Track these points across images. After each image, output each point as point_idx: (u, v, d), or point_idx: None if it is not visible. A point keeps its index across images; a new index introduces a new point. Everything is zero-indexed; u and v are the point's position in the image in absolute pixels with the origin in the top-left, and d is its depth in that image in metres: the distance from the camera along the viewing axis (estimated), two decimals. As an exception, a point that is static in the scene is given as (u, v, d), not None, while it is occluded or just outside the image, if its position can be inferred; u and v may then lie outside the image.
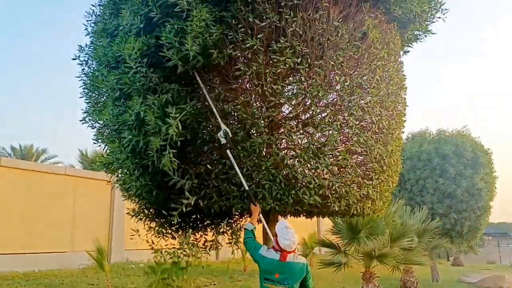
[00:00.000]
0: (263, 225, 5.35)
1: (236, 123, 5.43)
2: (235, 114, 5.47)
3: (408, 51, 7.41)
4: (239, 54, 5.54)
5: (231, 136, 5.23)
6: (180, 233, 6.73)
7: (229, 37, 5.30)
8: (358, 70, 5.84)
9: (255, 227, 4.90)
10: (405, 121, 6.73)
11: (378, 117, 5.83)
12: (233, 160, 5.16)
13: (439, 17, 6.74)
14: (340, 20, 5.57)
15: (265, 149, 5.45)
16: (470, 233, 18.38)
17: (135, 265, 14.46)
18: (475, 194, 17.68)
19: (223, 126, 5.20)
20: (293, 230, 4.37)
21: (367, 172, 5.86)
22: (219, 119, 5.26)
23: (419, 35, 7.18)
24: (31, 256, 12.86)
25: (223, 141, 5.17)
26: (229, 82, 5.50)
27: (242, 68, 5.30)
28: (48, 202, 13.63)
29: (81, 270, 13.16)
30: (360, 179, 5.69)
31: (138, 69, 5.04)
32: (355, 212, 5.77)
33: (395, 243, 9.86)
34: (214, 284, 13.22)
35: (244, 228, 4.89)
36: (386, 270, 10.35)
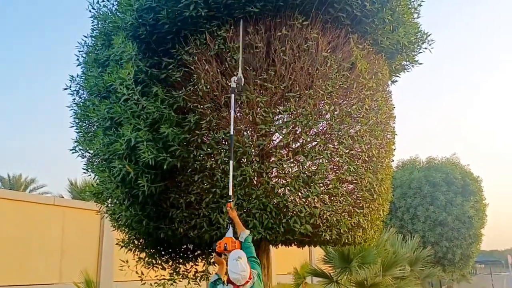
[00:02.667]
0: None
1: (227, 151, 5.42)
2: (226, 142, 5.48)
3: (396, 81, 7.53)
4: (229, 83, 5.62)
5: (243, 85, 5.36)
6: (170, 263, 6.65)
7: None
8: (347, 99, 5.92)
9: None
10: (394, 149, 6.78)
11: (368, 146, 5.87)
12: (233, 105, 5.18)
13: (426, 48, 6.88)
14: (328, 51, 5.68)
15: (255, 178, 5.44)
16: (462, 261, 18.34)
17: (124, 297, 14.13)
18: (466, 221, 17.72)
19: (239, 74, 5.32)
20: (242, 263, 3.98)
21: (358, 201, 5.86)
22: (240, 66, 5.36)
23: (407, 65, 7.31)
24: (18, 288, 12.54)
25: (233, 85, 5.25)
26: (221, 110, 5.54)
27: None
28: (36, 233, 13.38)
29: (68, 303, 12.84)
30: (351, 207, 5.68)
31: (131, 96, 5.06)
32: (346, 241, 5.74)
33: (388, 272, 9.78)
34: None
35: (244, 242, 4.44)
36: (379, 300, 10.20)
